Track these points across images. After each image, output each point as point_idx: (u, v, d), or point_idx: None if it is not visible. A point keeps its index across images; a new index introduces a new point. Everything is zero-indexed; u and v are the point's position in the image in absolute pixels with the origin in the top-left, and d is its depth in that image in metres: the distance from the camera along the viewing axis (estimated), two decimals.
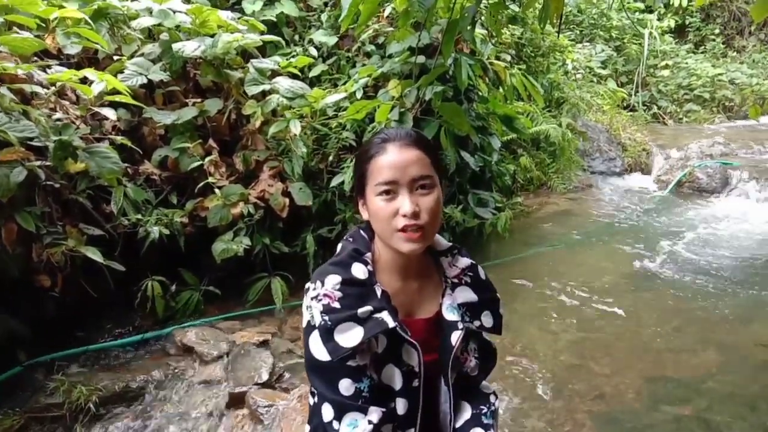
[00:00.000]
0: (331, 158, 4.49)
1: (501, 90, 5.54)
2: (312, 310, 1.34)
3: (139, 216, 3.69)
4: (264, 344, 3.60)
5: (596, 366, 3.66)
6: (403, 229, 1.32)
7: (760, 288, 4.81)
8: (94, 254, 3.16)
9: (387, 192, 1.34)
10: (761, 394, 3.31)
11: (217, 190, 3.95)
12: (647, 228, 6.47)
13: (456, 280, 1.50)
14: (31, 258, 3.12)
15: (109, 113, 3.41)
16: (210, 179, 3.95)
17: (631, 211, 7.12)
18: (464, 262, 1.53)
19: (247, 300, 4.11)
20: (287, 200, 4.13)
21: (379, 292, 1.36)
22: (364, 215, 1.44)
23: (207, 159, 3.98)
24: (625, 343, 3.95)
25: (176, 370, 3.37)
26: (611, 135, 9.12)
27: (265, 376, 3.19)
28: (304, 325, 1.37)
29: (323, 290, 1.33)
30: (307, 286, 1.38)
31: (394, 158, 1.35)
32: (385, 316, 1.32)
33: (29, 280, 3.20)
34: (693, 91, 11.78)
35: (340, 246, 1.49)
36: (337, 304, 1.32)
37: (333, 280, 1.34)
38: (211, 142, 4.13)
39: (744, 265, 5.34)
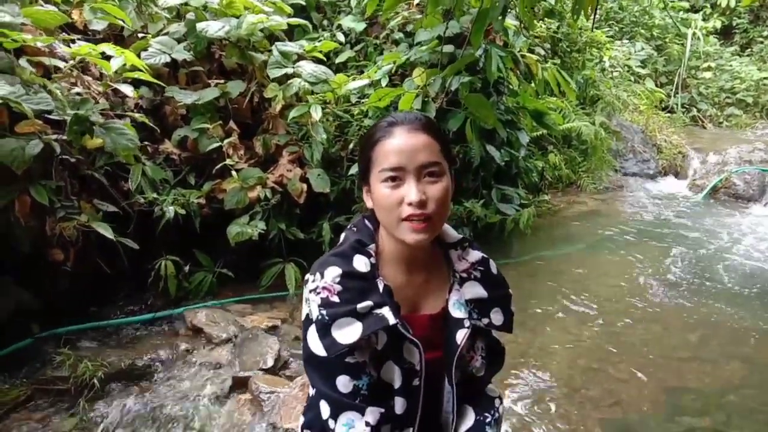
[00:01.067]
0: (351, 146, 4.43)
1: (532, 84, 5.40)
2: (310, 303, 1.28)
3: (156, 195, 3.68)
4: (273, 330, 3.58)
5: (614, 372, 3.54)
6: (409, 219, 1.24)
7: None
8: (106, 230, 3.15)
9: (392, 179, 1.26)
10: None
11: (234, 173, 3.92)
12: (677, 233, 6.25)
13: (465, 275, 1.41)
14: (45, 232, 3.13)
15: (127, 90, 3.40)
16: (228, 161, 3.92)
17: (661, 215, 6.91)
18: (475, 255, 1.44)
19: (261, 284, 4.09)
20: (305, 186, 4.08)
21: (381, 287, 1.29)
22: (369, 204, 1.37)
23: (226, 141, 3.95)
24: (646, 349, 3.81)
25: (184, 351, 3.35)
26: (646, 136, 8.87)
27: (270, 362, 3.15)
28: (303, 317, 1.31)
29: (322, 283, 1.27)
30: (306, 277, 1.32)
31: (401, 143, 1.26)
32: (385, 312, 1.25)
33: (43, 254, 3.21)
34: (736, 94, 11.38)
35: (343, 236, 1.42)
36: (336, 298, 1.25)
37: (333, 273, 1.27)
38: (231, 124, 4.10)
39: None
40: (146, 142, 3.84)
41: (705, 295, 4.68)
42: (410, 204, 1.23)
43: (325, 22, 5.42)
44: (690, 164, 8.59)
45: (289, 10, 4.52)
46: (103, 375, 2.98)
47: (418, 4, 4.96)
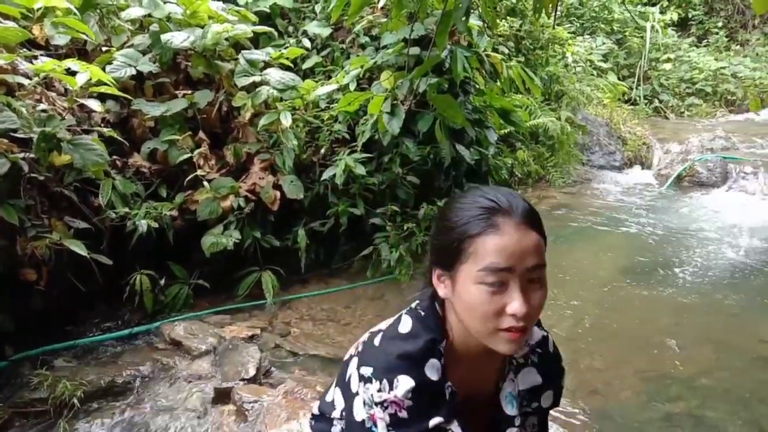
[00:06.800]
0: (323, 151, 4.43)
1: (498, 83, 5.47)
2: (375, 413, 1.20)
3: (127, 209, 3.64)
4: (253, 339, 3.56)
5: (590, 361, 3.61)
6: (508, 329, 1.13)
7: (760, 284, 4.74)
8: (78, 247, 3.12)
9: (495, 283, 1.12)
10: (755, 391, 3.26)
11: (206, 183, 3.91)
12: (645, 222, 6.40)
13: (522, 360, 1.36)
14: (16, 251, 3.08)
15: (94, 105, 3.37)
16: (199, 172, 3.90)
17: (629, 206, 7.06)
18: (536, 336, 1.40)
19: (238, 294, 4.07)
20: (278, 193, 4.08)
21: (448, 394, 1.23)
22: (442, 292, 1.24)
23: (196, 152, 3.93)
24: (620, 338, 3.90)
25: (164, 365, 3.32)
26: (611, 129, 9.04)
27: (252, 372, 3.14)
28: (359, 417, 1.25)
29: (392, 396, 1.18)
30: (368, 375, 1.21)
31: (512, 243, 1.12)
32: (454, 428, 1.22)
33: (14, 274, 3.16)
34: (695, 84, 11.68)
35: (408, 320, 1.28)
36: (404, 414, 1.18)
37: (405, 386, 1.18)
38: (201, 134, 4.08)
39: (744, 260, 5.27)
40: (115, 157, 3.79)
41: (674, 282, 4.80)
42: (514, 315, 1.12)
43: (291, 29, 5.41)
44: (654, 154, 8.80)
45: (253, 18, 4.52)
46: (82, 394, 2.93)
47: (382, 8, 4.99)
